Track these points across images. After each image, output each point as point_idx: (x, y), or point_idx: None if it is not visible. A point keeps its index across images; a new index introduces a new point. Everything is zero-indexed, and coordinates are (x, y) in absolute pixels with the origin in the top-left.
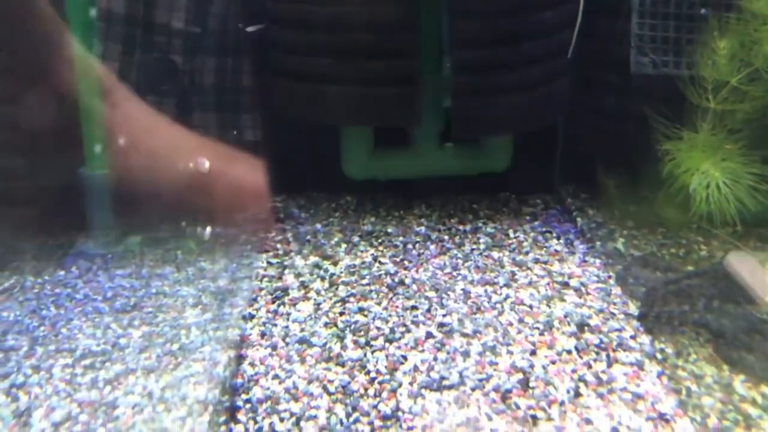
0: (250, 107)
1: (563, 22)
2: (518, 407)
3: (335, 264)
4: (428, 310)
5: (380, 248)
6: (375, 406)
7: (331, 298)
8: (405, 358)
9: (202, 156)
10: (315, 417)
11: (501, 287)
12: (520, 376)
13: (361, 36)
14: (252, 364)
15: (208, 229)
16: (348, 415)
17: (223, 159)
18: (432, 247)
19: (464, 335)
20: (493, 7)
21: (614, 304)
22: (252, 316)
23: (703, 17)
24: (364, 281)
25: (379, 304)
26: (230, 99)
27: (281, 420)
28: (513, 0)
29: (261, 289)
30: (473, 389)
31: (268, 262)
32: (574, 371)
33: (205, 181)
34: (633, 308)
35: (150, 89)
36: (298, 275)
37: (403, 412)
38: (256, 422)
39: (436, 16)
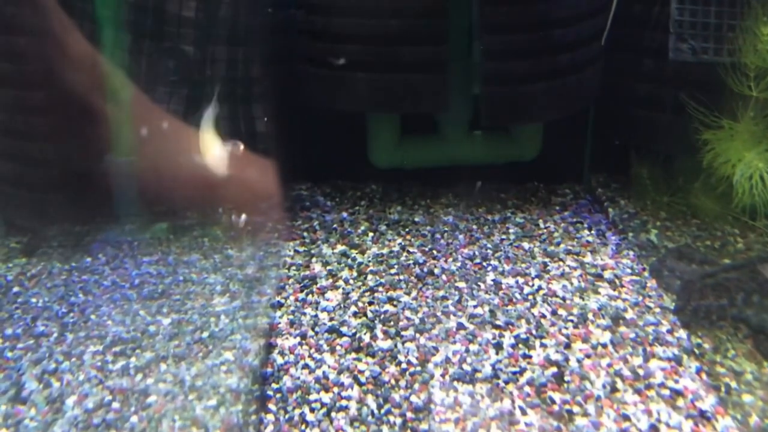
0: (269, 96)
1: (597, 7)
2: (553, 401)
3: (363, 253)
4: (459, 301)
5: (408, 237)
6: (407, 398)
7: (359, 288)
8: (436, 349)
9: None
10: (346, 408)
11: (533, 278)
12: (555, 369)
13: (390, 22)
14: (282, 353)
15: (243, 217)
16: (379, 407)
17: (233, 162)
18: (460, 236)
19: (496, 327)
20: None
21: (649, 297)
22: (281, 305)
23: (746, 2)
24: (393, 271)
25: (408, 294)
26: (247, 89)
27: (312, 410)
28: None
29: (289, 278)
30: (507, 382)
31: (296, 251)
32: (609, 365)
33: (216, 184)
34: (669, 302)
35: (160, 79)
36: (325, 264)
37: (436, 405)
38: (286, 412)
39: (466, 2)
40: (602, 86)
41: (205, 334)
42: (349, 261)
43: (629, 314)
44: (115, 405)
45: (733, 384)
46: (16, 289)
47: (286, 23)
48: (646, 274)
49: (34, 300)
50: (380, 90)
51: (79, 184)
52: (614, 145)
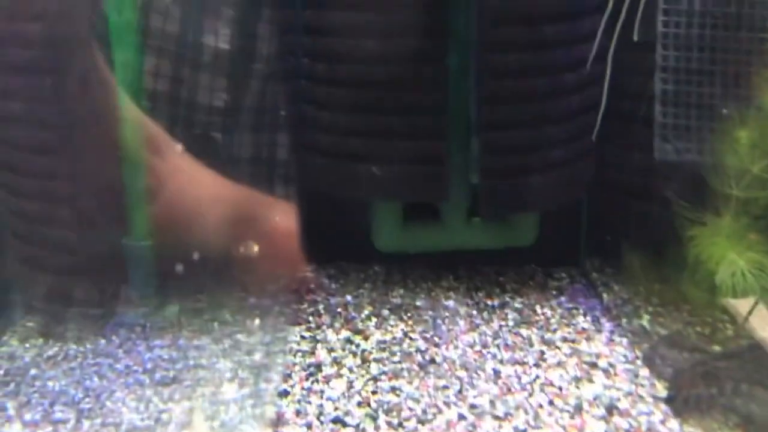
0: (283, 180)
1: (588, 105)
2: None
3: (366, 339)
4: (459, 391)
5: (410, 323)
6: None
7: (363, 376)
8: None
9: (242, 202)
10: None
11: (531, 367)
12: None
13: (394, 119)
14: None
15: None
16: None
17: (260, 205)
18: (461, 322)
19: (496, 417)
20: (520, 93)
21: (642, 386)
22: (287, 393)
23: (725, 116)
24: (396, 358)
25: (410, 383)
26: (265, 171)
27: None
28: (539, 86)
29: (295, 365)
30: None
31: (301, 336)
32: None
33: (245, 226)
34: (661, 390)
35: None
36: (330, 350)
37: None
38: None
39: (465, 101)
40: (594, 177)
41: (216, 423)
42: (353, 347)
43: (623, 404)
44: None
45: None
46: (33, 371)
47: (295, 117)
48: (638, 362)
49: (51, 384)
50: (384, 181)
51: (98, 267)
52: (608, 231)
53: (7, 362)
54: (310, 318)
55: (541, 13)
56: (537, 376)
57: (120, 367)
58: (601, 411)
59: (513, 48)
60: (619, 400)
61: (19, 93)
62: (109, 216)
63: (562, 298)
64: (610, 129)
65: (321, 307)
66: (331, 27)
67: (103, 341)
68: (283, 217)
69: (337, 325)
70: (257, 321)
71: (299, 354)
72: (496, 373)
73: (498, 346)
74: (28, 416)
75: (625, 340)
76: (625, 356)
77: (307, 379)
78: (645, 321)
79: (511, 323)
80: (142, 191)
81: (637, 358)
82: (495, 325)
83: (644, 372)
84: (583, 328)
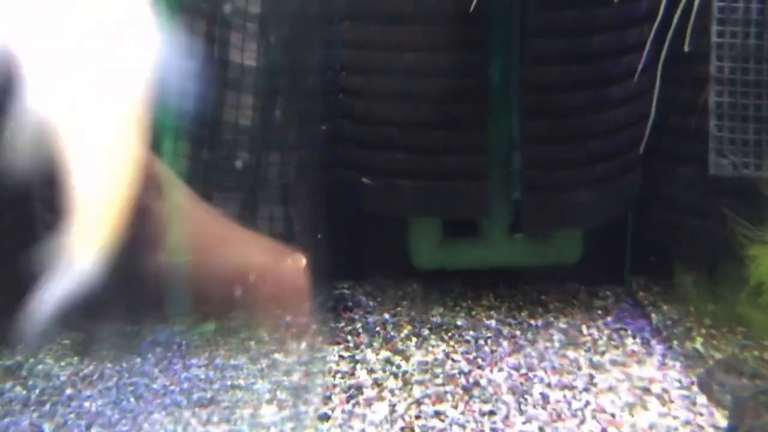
0: (317, 198)
1: (635, 118)
2: None
3: (407, 360)
4: (507, 417)
5: (451, 343)
6: None
7: (405, 399)
8: None
9: (247, 251)
10: None
11: (580, 392)
12: None
13: (433, 133)
14: None
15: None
16: None
17: (266, 253)
18: (504, 343)
19: None
20: (564, 106)
21: (701, 414)
22: (327, 417)
23: None
24: (438, 380)
25: (455, 407)
26: (296, 192)
27: None
28: (584, 99)
29: (335, 386)
30: None
31: (340, 356)
32: None
33: (250, 276)
34: (721, 419)
35: (217, 185)
36: (370, 371)
37: None
38: None
39: (507, 114)
40: (641, 192)
41: None
42: (394, 369)
43: None
44: None
45: None
46: (69, 391)
47: (334, 132)
48: (694, 388)
49: (87, 404)
50: (424, 196)
51: (132, 284)
52: (655, 248)
53: (43, 381)
54: (348, 337)
55: (587, 23)
56: (588, 402)
57: (156, 387)
58: None
59: (557, 60)
60: (677, 429)
61: None
62: (142, 232)
63: (609, 319)
64: (658, 142)
65: (359, 325)
66: (369, 40)
67: (138, 360)
68: (291, 268)
69: (376, 344)
70: (295, 340)
71: (339, 375)
72: (545, 398)
73: (545, 369)
74: None
75: (678, 364)
76: (679, 381)
77: (347, 402)
78: (698, 343)
79: (557, 344)
80: (176, 208)
81: (693, 383)
82: (540, 346)
83: (701, 399)
84: (633, 351)
